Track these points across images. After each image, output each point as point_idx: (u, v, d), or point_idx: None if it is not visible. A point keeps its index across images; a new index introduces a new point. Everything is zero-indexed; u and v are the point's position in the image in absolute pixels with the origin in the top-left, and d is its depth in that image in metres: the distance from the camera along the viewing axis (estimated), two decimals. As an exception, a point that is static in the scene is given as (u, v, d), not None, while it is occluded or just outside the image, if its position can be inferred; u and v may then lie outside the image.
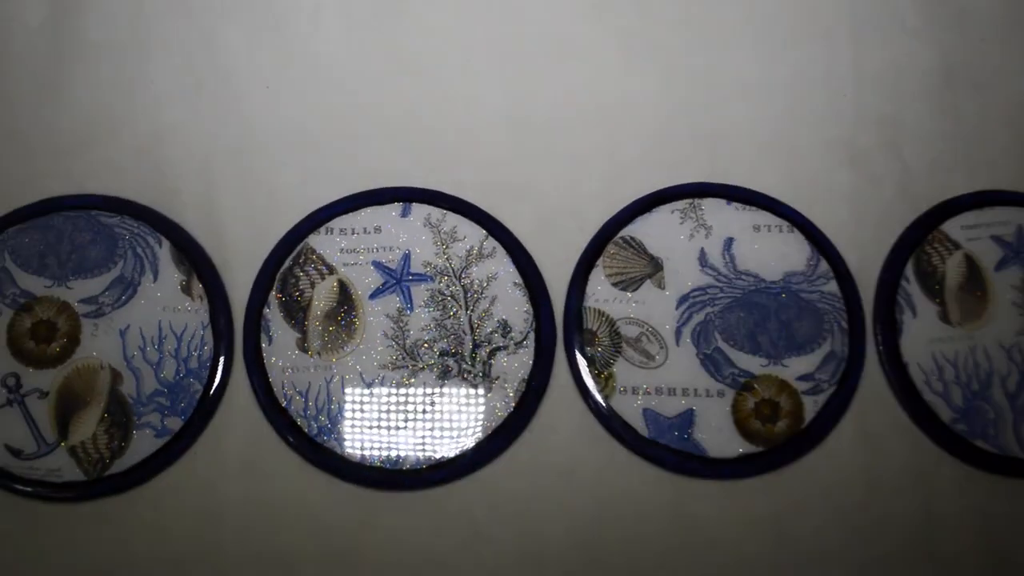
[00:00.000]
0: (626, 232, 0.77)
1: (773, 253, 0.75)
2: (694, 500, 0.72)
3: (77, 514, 0.75)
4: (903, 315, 0.73)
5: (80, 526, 0.73)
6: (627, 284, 0.75)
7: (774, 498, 0.72)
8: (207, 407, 0.74)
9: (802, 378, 0.72)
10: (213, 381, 0.75)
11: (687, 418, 0.72)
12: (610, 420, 0.72)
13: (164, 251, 0.77)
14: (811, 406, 0.72)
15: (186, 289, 0.76)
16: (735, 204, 0.77)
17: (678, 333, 0.74)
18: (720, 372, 0.73)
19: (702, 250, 0.76)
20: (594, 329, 0.74)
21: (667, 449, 0.72)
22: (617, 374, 0.73)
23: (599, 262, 0.76)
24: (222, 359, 0.75)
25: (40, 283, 0.77)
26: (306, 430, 0.72)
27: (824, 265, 0.74)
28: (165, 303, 0.76)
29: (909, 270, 0.74)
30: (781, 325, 0.73)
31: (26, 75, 0.82)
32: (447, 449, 0.72)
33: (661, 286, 0.75)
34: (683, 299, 0.75)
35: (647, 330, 0.74)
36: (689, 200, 0.77)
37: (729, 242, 0.75)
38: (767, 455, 0.71)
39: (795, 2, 0.84)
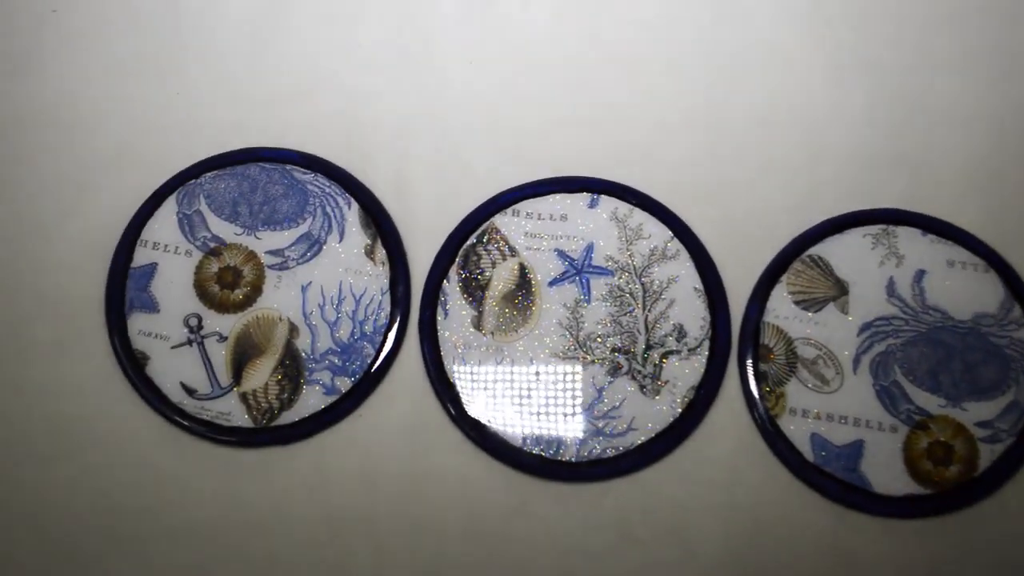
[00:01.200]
0: (814, 251, 0.77)
1: (965, 291, 0.76)
2: (853, 533, 0.73)
3: (240, 460, 0.78)
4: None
5: (242, 472, 0.77)
6: (809, 304, 0.76)
7: (937, 543, 0.72)
8: (377, 372, 0.77)
9: (981, 424, 0.73)
10: (385, 347, 0.77)
11: (856, 449, 0.73)
12: (776, 439, 0.73)
13: (352, 213, 0.80)
14: (987, 454, 0.72)
15: (369, 253, 0.79)
16: (931, 236, 0.77)
17: (856, 361, 0.75)
18: (896, 407, 0.73)
19: (891, 279, 0.76)
20: (770, 345, 0.75)
21: (831, 478, 0.73)
22: (788, 394, 0.74)
23: (783, 278, 0.77)
24: (396, 326, 0.77)
25: (231, 230, 0.81)
26: (471, 407, 0.74)
27: (1017, 311, 0.74)
28: (348, 264, 0.79)
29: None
30: (965, 367, 0.74)
31: (244, 24, 0.86)
32: (608, 446, 0.73)
33: (844, 311, 0.76)
34: (866, 327, 0.75)
35: (824, 353, 0.75)
36: (883, 226, 0.77)
37: (920, 274, 0.76)
38: (935, 499, 0.72)
39: (1014, 34, 0.82)
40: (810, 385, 0.74)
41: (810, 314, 0.76)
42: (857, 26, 0.85)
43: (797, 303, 0.76)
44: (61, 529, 0.77)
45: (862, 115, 0.84)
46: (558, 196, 0.81)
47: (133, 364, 0.80)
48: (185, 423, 0.80)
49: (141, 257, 0.83)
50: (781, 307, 0.76)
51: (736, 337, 0.76)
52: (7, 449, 0.79)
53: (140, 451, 0.80)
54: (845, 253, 0.79)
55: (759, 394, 0.74)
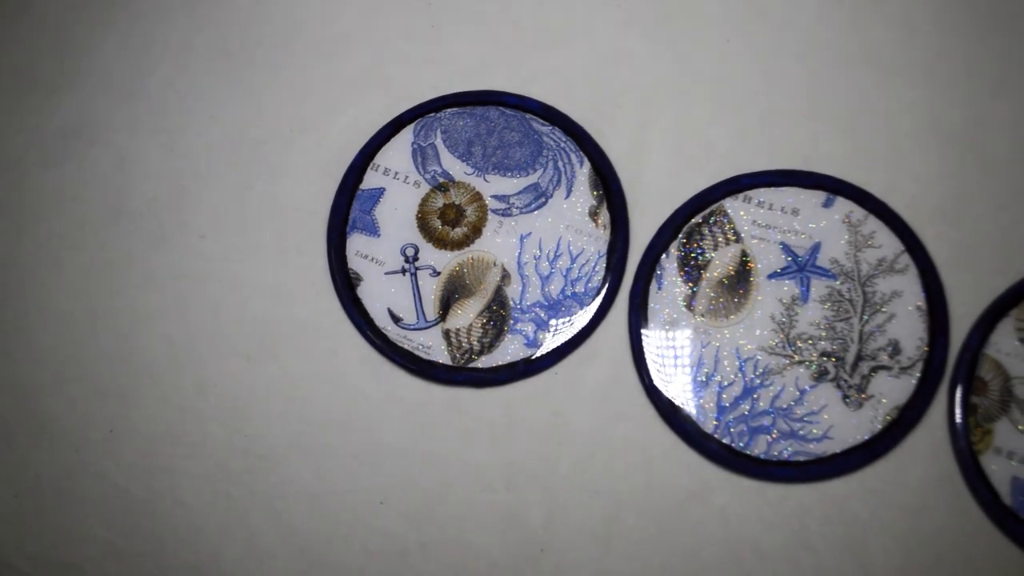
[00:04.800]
0: (1050, 291, 0.81)
1: None
2: (1039, 585, 0.76)
3: (432, 394, 0.86)
4: None
5: (432, 406, 0.85)
6: None
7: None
8: (581, 333, 0.86)
9: None
10: (592, 309, 0.85)
11: None
12: (974, 476, 0.78)
13: (584, 172, 0.88)
14: None
15: (593, 214, 0.87)
16: None
17: None
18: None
19: None
20: (986, 379, 0.80)
21: (1026, 525, 0.76)
22: (996, 432, 0.78)
23: (1012, 312, 0.81)
24: (606, 290, 0.84)
25: (462, 168, 0.89)
26: (668, 385, 0.81)
27: None
28: (570, 222, 0.87)
29: None
30: None
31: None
32: (800, 450, 0.79)
33: None
34: None
35: None
36: None
37: None
38: None
39: None
40: (1021, 427, 0.79)
41: (1034, 354, 0.79)
42: None
43: (1022, 340, 0.80)
44: (253, 427, 0.88)
45: None
46: (793, 189, 0.86)
47: (346, 282, 0.88)
48: (385, 348, 0.87)
49: (371, 180, 0.91)
50: (1004, 342, 0.80)
51: (952, 363, 0.80)
52: (212, 341, 0.90)
53: (338, 367, 0.88)
54: (1083, 298, 0.80)
55: (964, 426, 0.79)
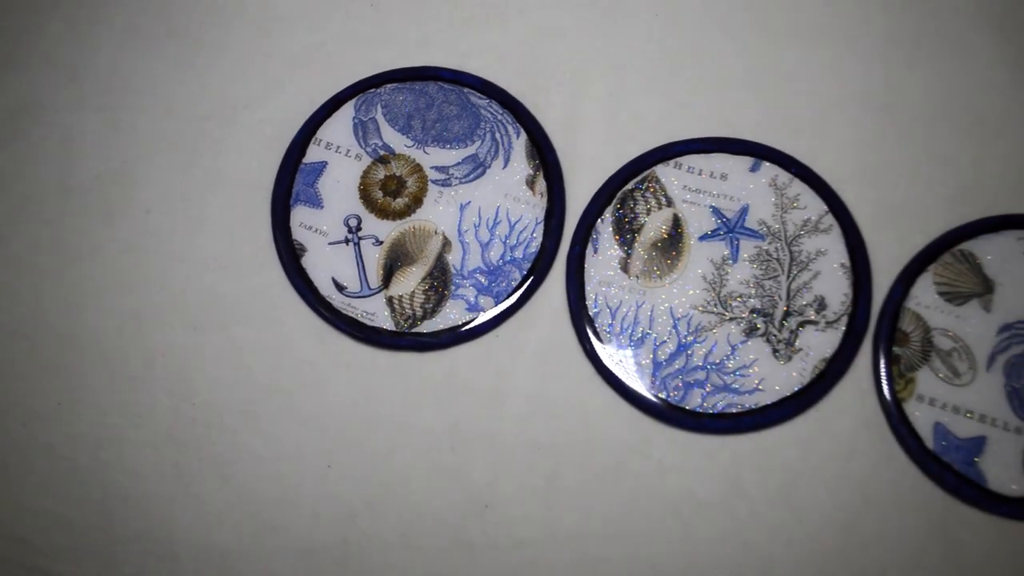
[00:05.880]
0: (966, 246, 0.87)
1: (1114, 310, 0.83)
2: (962, 526, 0.82)
3: (376, 360, 0.90)
4: None
5: (376, 372, 0.89)
6: (953, 297, 0.87)
7: (1046, 549, 0.80)
8: (521, 297, 0.90)
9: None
10: (532, 274, 0.90)
11: (978, 444, 0.83)
12: (898, 422, 0.84)
13: (520, 143, 0.93)
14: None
15: (530, 183, 0.92)
16: (1088, 250, 0.86)
17: (991, 359, 0.85)
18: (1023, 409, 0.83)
19: (1040, 286, 0.85)
20: (907, 331, 0.86)
21: (949, 468, 0.82)
22: (918, 380, 0.85)
23: (931, 268, 0.87)
24: (545, 256, 0.90)
25: (402, 141, 0.94)
26: (605, 344, 0.87)
27: None
28: (508, 191, 0.92)
29: None
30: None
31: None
32: (733, 403, 0.85)
33: (987, 309, 0.86)
34: (1006, 327, 0.85)
35: (961, 347, 0.85)
36: (1041, 232, 0.87)
37: (1071, 286, 0.85)
38: (1051, 506, 0.80)
39: None
40: (941, 375, 0.85)
41: (952, 306, 0.86)
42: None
43: (941, 294, 0.87)
44: (201, 396, 0.91)
45: (1040, 120, 0.89)
46: (722, 156, 0.92)
47: (290, 253, 0.93)
48: (330, 316, 0.91)
49: (313, 154, 0.96)
50: (924, 296, 0.87)
51: (875, 317, 0.86)
52: (159, 314, 0.93)
53: (284, 335, 0.92)
54: (996, 253, 0.87)
55: (888, 375, 0.85)
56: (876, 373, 0.85)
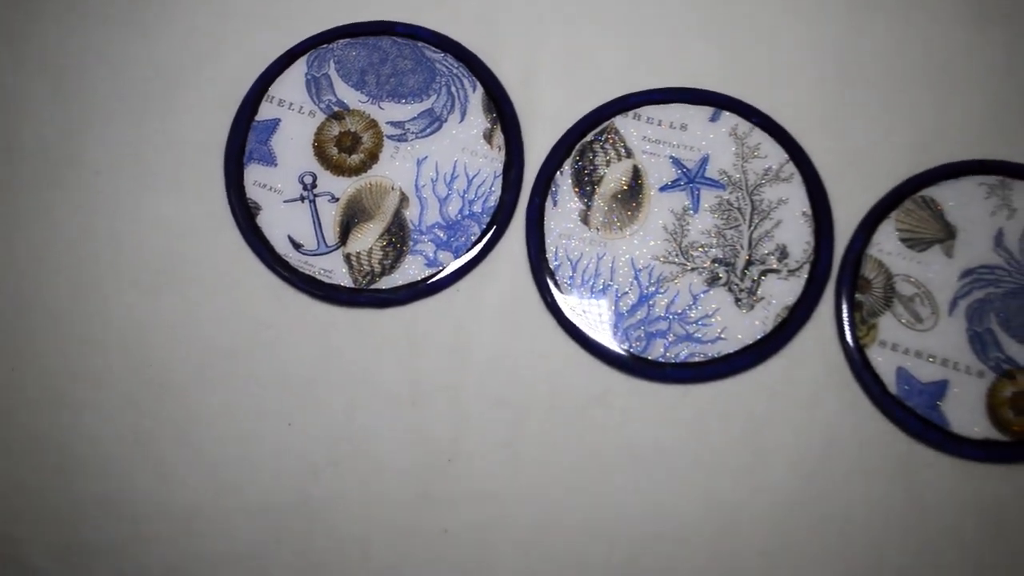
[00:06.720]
0: (928, 192, 0.89)
1: (1073, 252, 0.84)
2: (924, 468, 0.83)
3: (335, 317, 0.90)
4: None
5: (336, 330, 0.90)
6: (915, 243, 0.88)
7: (1006, 489, 0.82)
8: (481, 251, 0.90)
9: (1070, 385, 0.81)
10: (492, 228, 0.90)
11: (940, 388, 0.84)
12: (861, 368, 0.85)
13: (476, 96, 0.94)
14: (1072, 413, 0.81)
15: (487, 137, 0.93)
16: (1048, 194, 0.87)
17: (953, 304, 0.86)
18: (986, 353, 0.85)
19: (1000, 230, 0.87)
20: (869, 277, 0.87)
21: (911, 412, 0.84)
22: (881, 327, 0.86)
23: (893, 215, 0.88)
24: (504, 209, 0.90)
25: (356, 96, 0.95)
26: (567, 296, 0.88)
27: None
28: (465, 145, 0.93)
29: None
30: (1061, 323, 0.84)
31: None
32: (696, 352, 0.86)
33: (949, 254, 0.87)
34: (967, 272, 0.87)
35: (923, 292, 0.87)
36: (1001, 178, 0.88)
37: (1031, 230, 0.86)
38: (1011, 446, 0.82)
39: None
40: (903, 321, 0.86)
41: (914, 252, 0.87)
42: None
43: (903, 240, 0.88)
44: (158, 359, 0.91)
45: (999, 65, 0.93)
46: (680, 106, 0.92)
47: (245, 212, 0.93)
48: (287, 275, 0.92)
49: (266, 112, 0.95)
50: (886, 242, 0.88)
51: (837, 264, 0.88)
52: (113, 276, 0.93)
53: (241, 296, 0.92)
54: (958, 199, 0.89)
55: (851, 322, 0.86)
56: (839, 320, 0.86)
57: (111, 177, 0.95)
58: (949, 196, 0.89)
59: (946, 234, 0.86)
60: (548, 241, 0.88)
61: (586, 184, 0.88)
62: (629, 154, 0.89)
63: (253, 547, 0.86)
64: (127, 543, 0.87)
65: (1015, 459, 0.82)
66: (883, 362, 0.84)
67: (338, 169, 0.92)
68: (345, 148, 0.91)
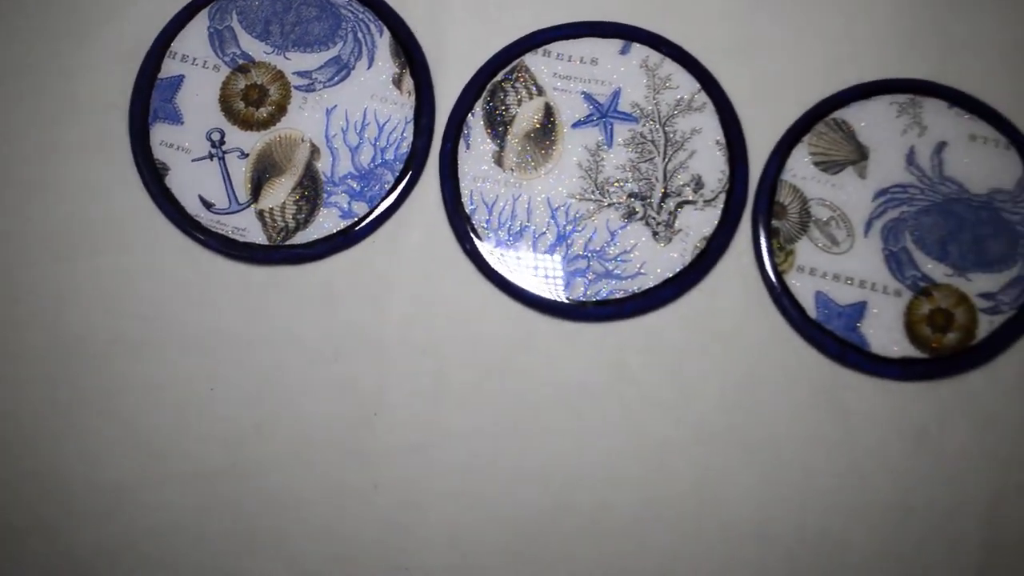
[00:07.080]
0: (839, 114, 0.89)
1: (983, 166, 0.87)
2: (847, 390, 0.85)
3: (252, 276, 0.90)
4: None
5: (253, 288, 0.89)
6: (828, 166, 0.89)
7: (927, 406, 0.84)
8: (395, 200, 0.90)
9: (983, 295, 0.85)
10: (405, 175, 0.90)
11: (858, 310, 0.86)
12: (780, 295, 0.86)
13: (383, 41, 0.93)
14: (986, 325, 0.85)
15: (397, 82, 0.92)
16: (956, 109, 0.88)
17: (868, 225, 0.87)
18: (902, 272, 0.86)
19: (912, 148, 0.88)
20: (785, 203, 0.88)
21: (831, 336, 0.85)
22: (798, 252, 0.87)
23: (805, 139, 0.89)
24: (417, 156, 0.90)
25: (261, 48, 0.93)
26: (484, 241, 0.88)
27: (1034, 190, 0.86)
28: (374, 92, 0.92)
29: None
30: (975, 239, 0.86)
31: None
32: (616, 288, 0.87)
33: (862, 175, 0.88)
34: (881, 192, 0.88)
35: (838, 215, 0.87)
36: (911, 96, 0.89)
37: (941, 146, 0.88)
38: (930, 363, 0.84)
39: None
40: (820, 245, 0.87)
41: (828, 176, 0.88)
42: None
43: (816, 164, 0.88)
44: (73, 328, 0.90)
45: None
46: (590, 40, 0.92)
47: (153, 173, 0.92)
48: (200, 236, 0.91)
49: (169, 68, 0.94)
50: (800, 167, 0.88)
51: (752, 192, 0.88)
52: (24, 243, 0.92)
53: (154, 259, 0.91)
54: (869, 119, 0.89)
55: (769, 249, 0.87)
56: (756, 248, 0.87)
57: (11, 143, 0.93)
58: (861, 117, 0.89)
59: (859, 155, 0.87)
60: (463, 185, 0.88)
61: (498, 125, 0.88)
62: (540, 92, 0.88)
63: (185, 517, 0.86)
64: (56, 520, 0.87)
65: (934, 375, 0.84)
66: (802, 287, 0.85)
67: (246, 124, 0.91)
68: (252, 102, 0.90)
